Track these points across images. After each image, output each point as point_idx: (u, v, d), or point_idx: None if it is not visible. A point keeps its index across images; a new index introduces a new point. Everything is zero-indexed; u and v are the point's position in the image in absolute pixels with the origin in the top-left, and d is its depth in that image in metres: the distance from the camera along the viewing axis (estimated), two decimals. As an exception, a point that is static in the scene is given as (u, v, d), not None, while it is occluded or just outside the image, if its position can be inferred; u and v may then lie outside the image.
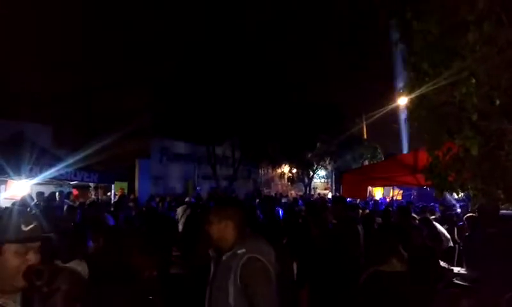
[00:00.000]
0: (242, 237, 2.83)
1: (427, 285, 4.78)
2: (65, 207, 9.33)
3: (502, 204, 4.71)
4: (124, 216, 8.97)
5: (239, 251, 2.78)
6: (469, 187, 4.22)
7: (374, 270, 3.03)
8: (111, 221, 7.71)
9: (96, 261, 3.71)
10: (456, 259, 7.06)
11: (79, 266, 3.09)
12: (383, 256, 3.07)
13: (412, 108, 4.29)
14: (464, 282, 5.19)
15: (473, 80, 3.56)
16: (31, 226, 1.80)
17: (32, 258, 1.79)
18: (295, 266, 4.93)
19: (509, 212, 8.11)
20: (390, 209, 9.81)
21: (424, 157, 5.29)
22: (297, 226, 6.37)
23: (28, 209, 2.00)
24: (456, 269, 6.13)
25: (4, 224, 1.80)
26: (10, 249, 1.75)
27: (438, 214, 9.95)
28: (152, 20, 19.19)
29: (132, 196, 15.72)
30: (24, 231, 1.77)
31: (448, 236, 7.56)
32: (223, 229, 2.84)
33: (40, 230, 1.84)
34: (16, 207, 1.95)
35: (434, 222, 7.47)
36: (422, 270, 5.07)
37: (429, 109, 4.03)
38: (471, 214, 6.25)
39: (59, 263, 3.15)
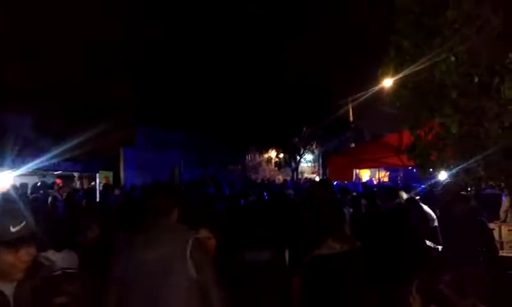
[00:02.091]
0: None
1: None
2: (49, 199, 9.23)
3: (485, 183, 4.78)
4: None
5: None
6: (451, 165, 4.26)
7: (312, 255, 2.97)
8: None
9: (91, 251, 3.66)
10: (440, 238, 7.16)
11: (54, 256, 3.02)
12: (320, 239, 3.01)
13: (394, 87, 4.30)
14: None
15: (453, 58, 3.57)
16: (20, 227, 1.78)
17: (24, 254, 1.79)
18: (287, 253, 4.90)
19: (492, 191, 8.24)
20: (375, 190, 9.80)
21: (407, 138, 5.32)
22: (286, 210, 6.28)
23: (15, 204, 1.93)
24: (440, 248, 6.23)
25: None
26: (0, 248, 1.76)
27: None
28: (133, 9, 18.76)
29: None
30: (12, 232, 1.76)
31: (434, 216, 7.64)
32: None
33: (29, 227, 1.81)
34: (3, 205, 1.88)
35: (420, 203, 7.53)
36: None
37: (410, 88, 4.03)
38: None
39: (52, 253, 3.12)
